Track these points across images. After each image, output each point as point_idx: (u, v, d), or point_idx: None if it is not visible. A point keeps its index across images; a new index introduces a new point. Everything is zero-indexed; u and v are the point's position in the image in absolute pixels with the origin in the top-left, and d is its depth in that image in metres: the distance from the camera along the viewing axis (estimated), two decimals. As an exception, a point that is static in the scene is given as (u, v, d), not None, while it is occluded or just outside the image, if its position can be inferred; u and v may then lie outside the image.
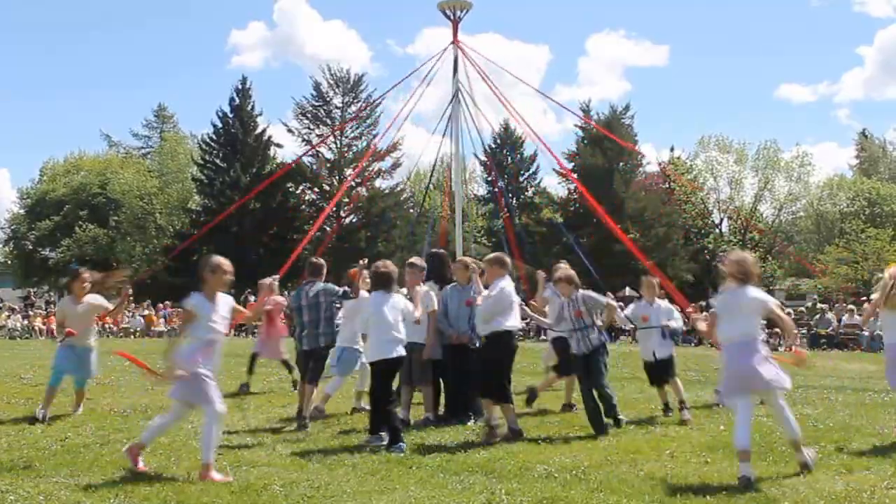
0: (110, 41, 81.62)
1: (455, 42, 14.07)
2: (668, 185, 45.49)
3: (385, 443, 7.38)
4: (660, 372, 9.41)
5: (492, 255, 8.60)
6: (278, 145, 45.90)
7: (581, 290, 8.45)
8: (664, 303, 9.72)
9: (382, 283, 7.88)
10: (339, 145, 45.54)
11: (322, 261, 9.22)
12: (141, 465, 6.39)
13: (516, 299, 8.24)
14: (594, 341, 8.32)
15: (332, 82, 46.00)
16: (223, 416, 6.55)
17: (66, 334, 9.00)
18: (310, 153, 44.51)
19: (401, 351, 7.71)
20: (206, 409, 6.33)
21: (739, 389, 6.46)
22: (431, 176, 33.42)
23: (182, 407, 6.53)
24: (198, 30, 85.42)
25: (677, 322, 9.53)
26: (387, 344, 7.62)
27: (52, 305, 32.98)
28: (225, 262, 6.66)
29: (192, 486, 5.93)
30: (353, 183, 43.81)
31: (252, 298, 33.69)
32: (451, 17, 14.37)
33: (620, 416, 8.53)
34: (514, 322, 8.12)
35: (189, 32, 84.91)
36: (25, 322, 29.61)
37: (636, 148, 39.62)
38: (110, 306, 9.61)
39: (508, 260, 8.44)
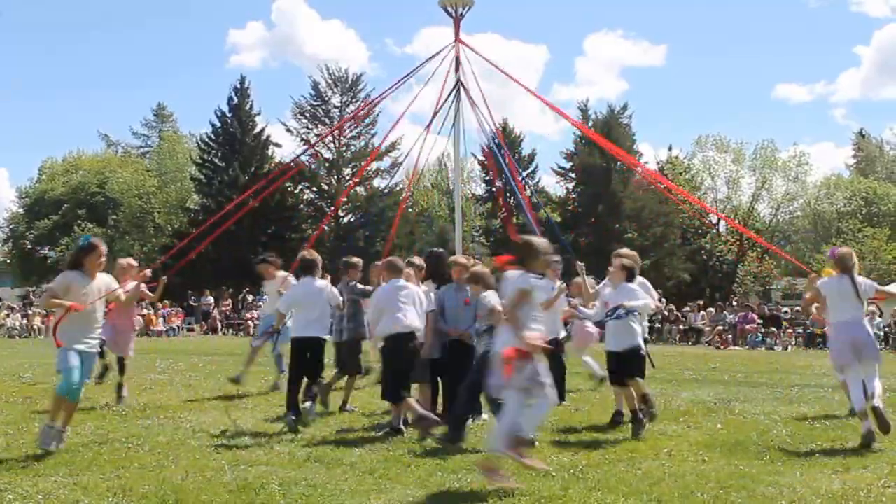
0: (109, 41, 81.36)
1: (457, 40, 13.99)
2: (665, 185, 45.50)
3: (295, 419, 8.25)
4: (616, 367, 8.43)
5: (387, 258, 9.06)
6: (277, 145, 45.87)
7: (488, 291, 8.18)
8: (632, 284, 8.43)
9: (309, 268, 8.75)
10: (337, 145, 45.55)
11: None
12: (527, 460, 6.09)
13: (403, 301, 8.19)
14: (481, 347, 7.95)
15: (330, 82, 45.98)
16: (555, 403, 6.58)
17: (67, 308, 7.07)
18: (308, 153, 44.47)
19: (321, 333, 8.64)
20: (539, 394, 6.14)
21: (853, 356, 7.70)
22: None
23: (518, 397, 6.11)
24: (196, 29, 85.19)
25: (639, 301, 8.26)
26: (310, 324, 8.52)
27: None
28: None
29: (190, 484, 5.95)
30: (351, 182, 43.81)
31: (250, 298, 33.81)
32: (453, 15, 14.26)
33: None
34: (390, 326, 8.09)
35: (187, 32, 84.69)
36: (24, 321, 29.62)
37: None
38: (122, 294, 8.39)
39: (401, 263, 8.67)
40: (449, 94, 13.98)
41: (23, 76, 79.07)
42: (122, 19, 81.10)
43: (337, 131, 44.02)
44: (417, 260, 9.36)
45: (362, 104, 44.20)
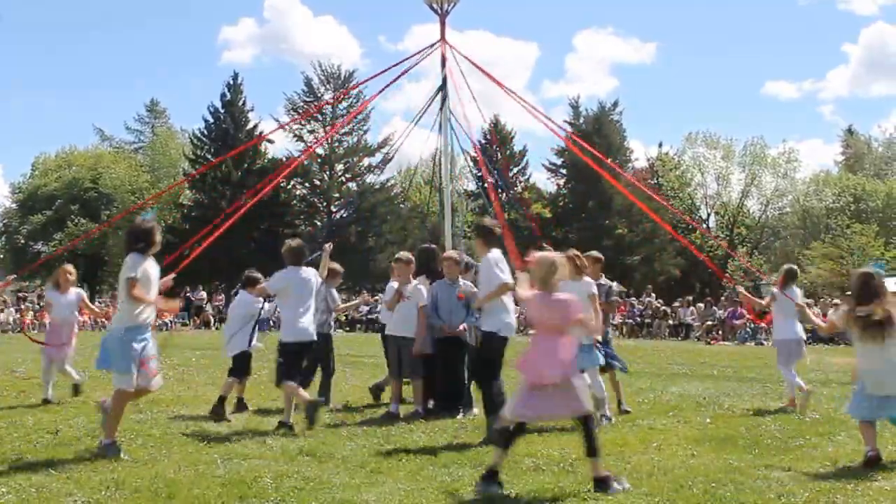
0: (103, 39, 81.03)
1: (442, 39, 13.93)
2: (655, 181, 45.66)
3: None
4: None
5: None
6: (270, 141, 45.89)
7: None
8: None
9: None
10: (329, 141, 45.54)
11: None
12: None
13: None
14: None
15: (322, 78, 46.00)
16: None
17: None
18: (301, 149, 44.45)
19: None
20: None
21: None
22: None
23: None
24: (189, 26, 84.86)
25: None
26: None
27: (43, 300, 32.72)
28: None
29: (182, 477, 5.98)
30: (343, 178, 43.83)
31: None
32: (439, 12, 14.17)
33: None
34: None
35: (180, 28, 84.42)
36: (17, 316, 29.57)
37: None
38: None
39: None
40: (436, 92, 13.93)
41: (18, 73, 78.72)
42: (117, 17, 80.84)
43: (329, 127, 44.01)
44: (404, 255, 9.39)
45: (352, 100, 44.25)
